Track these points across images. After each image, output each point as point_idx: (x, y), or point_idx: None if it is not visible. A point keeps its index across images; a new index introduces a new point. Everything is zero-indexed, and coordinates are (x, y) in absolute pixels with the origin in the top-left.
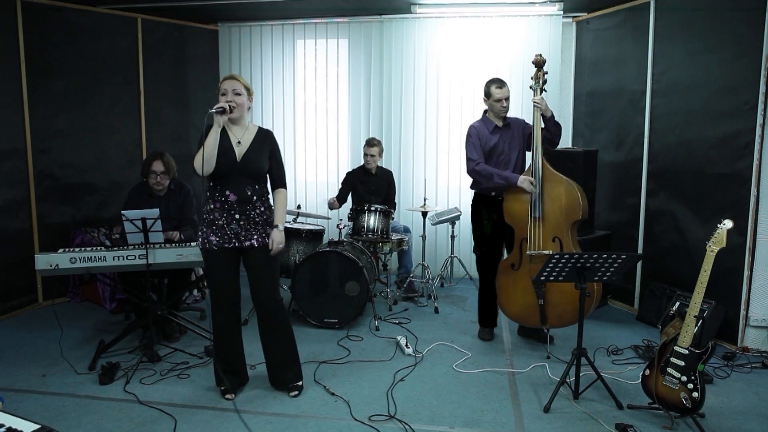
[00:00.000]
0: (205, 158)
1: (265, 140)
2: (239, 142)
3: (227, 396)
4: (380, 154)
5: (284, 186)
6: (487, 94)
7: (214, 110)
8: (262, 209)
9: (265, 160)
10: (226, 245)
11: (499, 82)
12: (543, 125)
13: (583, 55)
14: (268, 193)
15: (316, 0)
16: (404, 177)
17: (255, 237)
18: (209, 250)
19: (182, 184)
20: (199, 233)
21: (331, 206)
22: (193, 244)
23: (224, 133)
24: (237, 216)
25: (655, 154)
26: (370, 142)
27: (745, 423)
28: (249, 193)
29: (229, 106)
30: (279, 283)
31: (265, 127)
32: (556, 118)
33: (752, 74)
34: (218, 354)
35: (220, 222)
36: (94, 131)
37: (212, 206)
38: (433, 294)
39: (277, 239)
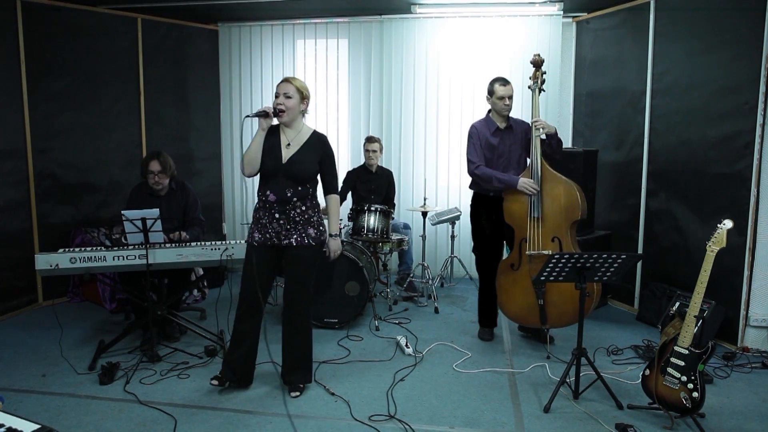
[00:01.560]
0: (246, 160)
1: (316, 144)
2: (289, 145)
3: (213, 382)
4: (381, 151)
5: (336, 192)
6: (490, 92)
7: (252, 115)
8: (303, 208)
9: (311, 164)
10: (267, 243)
11: (503, 80)
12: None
13: (583, 55)
14: (311, 193)
15: (316, 0)
16: (404, 177)
17: (294, 236)
18: (251, 245)
19: (183, 183)
20: (250, 230)
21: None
22: (194, 243)
23: (278, 134)
24: (277, 215)
25: (655, 154)
26: (370, 139)
27: (745, 423)
28: (288, 195)
29: (276, 109)
30: (310, 286)
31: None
32: (557, 118)
33: (752, 74)
34: (230, 345)
35: (264, 221)
36: (94, 131)
37: (258, 205)
38: (433, 294)
39: (332, 247)
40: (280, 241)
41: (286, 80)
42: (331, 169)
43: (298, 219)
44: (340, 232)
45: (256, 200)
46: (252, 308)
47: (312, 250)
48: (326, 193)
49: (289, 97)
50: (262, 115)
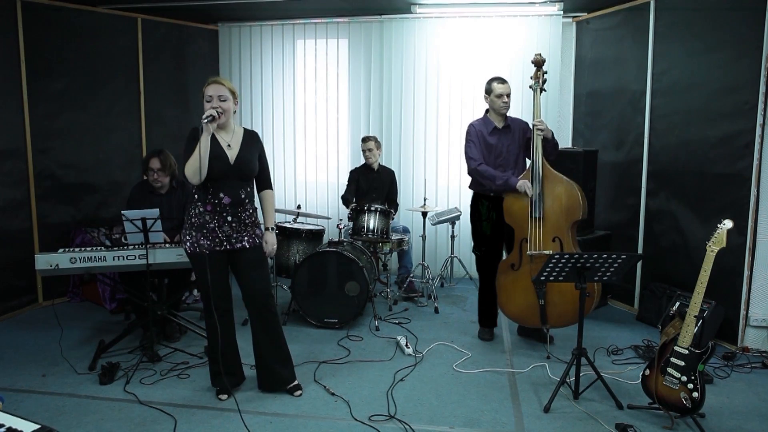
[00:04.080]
0: (202, 165)
1: (253, 142)
2: (229, 146)
3: (221, 396)
4: (378, 148)
5: (271, 187)
6: (488, 91)
7: (204, 120)
8: (251, 210)
9: (255, 160)
10: (218, 248)
11: (501, 79)
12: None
13: (583, 55)
14: (254, 193)
15: (316, 0)
16: (404, 177)
17: (246, 238)
18: (200, 255)
19: (183, 182)
20: (188, 237)
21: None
22: None
23: (213, 139)
24: (229, 218)
25: (655, 154)
26: (364, 139)
27: (745, 423)
28: (242, 196)
29: (216, 112)
30: (271, 282)
31: (252, 129)
32: (557, 118)
33: (752, 74)
34: (213, 355)
35: (212, 225)
36: (94, 131)
37: (202, 209)
38: (433, 294)
39: (271, 241)
40: (232, 245)
41: (217, 82)
42: (266, 165)
43: (248, 221)
44: (340, 232)
45: (197, 207)
46: (226, 314)
47: (262, 249)
48: (263, 188)
49: (224, 100)
50: (210, 119)
